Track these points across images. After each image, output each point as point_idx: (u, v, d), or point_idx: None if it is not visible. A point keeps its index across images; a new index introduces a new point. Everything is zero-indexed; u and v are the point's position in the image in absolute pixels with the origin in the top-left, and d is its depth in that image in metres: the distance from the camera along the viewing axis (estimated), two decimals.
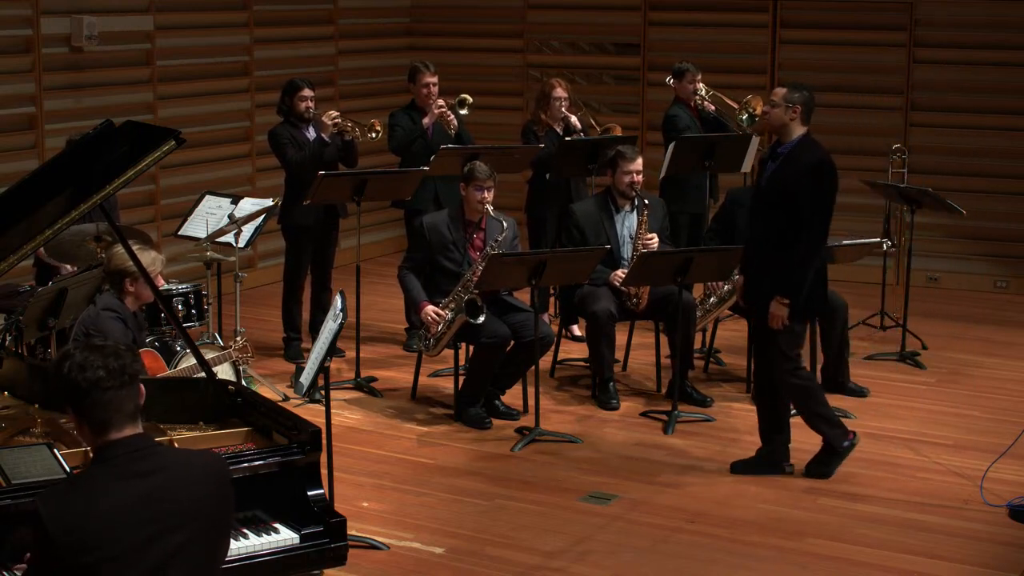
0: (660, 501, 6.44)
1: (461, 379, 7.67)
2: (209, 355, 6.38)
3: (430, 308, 7.46)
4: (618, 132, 9.31)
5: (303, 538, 4.29)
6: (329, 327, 5.49)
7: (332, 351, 5.49)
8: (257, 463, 4.31)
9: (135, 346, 6.01)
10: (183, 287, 7.66)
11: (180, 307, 7.55)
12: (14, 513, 3.85)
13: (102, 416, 3.21)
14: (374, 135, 8.65)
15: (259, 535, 4.24)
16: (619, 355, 8.35)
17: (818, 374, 7.80)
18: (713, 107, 9.31)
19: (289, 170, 8.60)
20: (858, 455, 7.00)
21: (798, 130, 6.46)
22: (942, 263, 10.85)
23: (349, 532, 4.46)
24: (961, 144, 10.81)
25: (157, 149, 4.40)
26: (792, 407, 6.75)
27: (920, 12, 10.84)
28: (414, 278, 7.61)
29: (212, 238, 7.96)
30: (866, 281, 10.05)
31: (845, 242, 8.28)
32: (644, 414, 7.70)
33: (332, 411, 5.64)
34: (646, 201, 7.89)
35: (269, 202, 8.26)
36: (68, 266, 7.58)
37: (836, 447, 6.65)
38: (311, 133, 8.57)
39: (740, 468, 6.78)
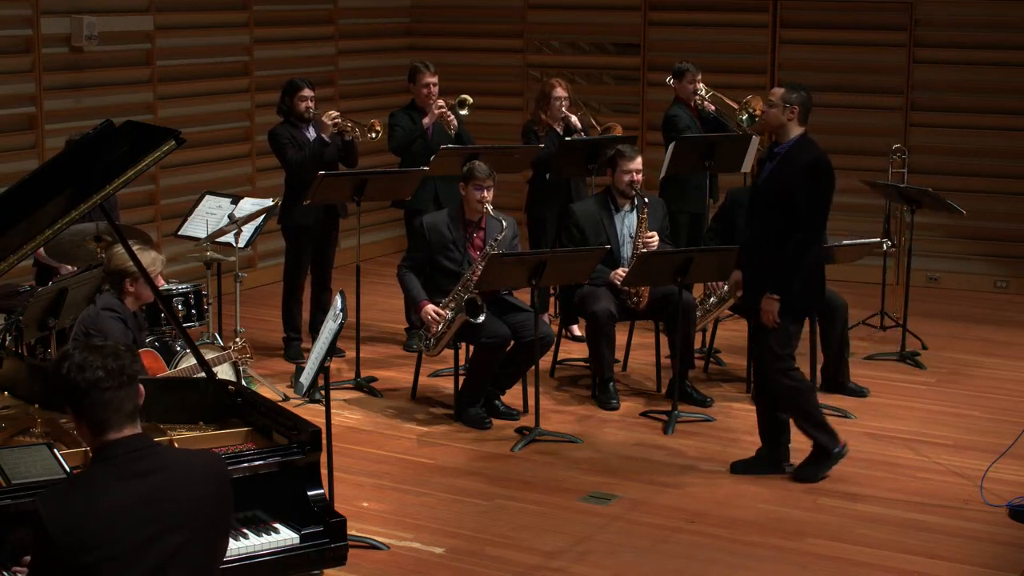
0: (660, 501, 6.44)
1: (461, 379, 7.67)
2: (209, 355, 6.38)
3: (430, 307, 7.46)
4: (618, 132, 9.31)
5: (303, 538, 4.29)
6: (329, 327, 5.48)
7: (332, 351, 5.49)
8: (257, 463, 4.31)
9: (135, 346, 6.03)
10: (183, 287, 7.66)
11: (180, 307, 7.55)
12: (14, 513, 3.85)
13: (101, 416, 3.21)
14: (374, 135, 8.65)
15: (259, 535, 4.24)
16: (619, 355, 8.35)
17: (818, 374, 7.82)
18: (713, 107, 9.31)
19: (289, 170, 8.60)
20: (858, 455, 7.00)
21: (795, 130, 6.46)
22: (942, 263, 10.85)
23: (349, 532, 4.46)
24: (961, 144, 10.81)
25: (157, 149, 4.40)
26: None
27: (920, 12, 10.84)
28: (414, 277, 7.61)
29: (212, 238, 7.96)
30: (866, 281, 10.05)
31: (845, 242, 8.28)
32: (644, 414, 7.70)
33: (332, 411, 5.64)
34: (646, 200, 7.89)
35: (269, 202, 8.26)
36: (68, 266, 7.58)
37: (828, 451, 6.63)
38: (311, 133, 8.57)
39: (740, 468, 6.78)
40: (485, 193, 7.53)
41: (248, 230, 8.09)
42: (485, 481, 6.69)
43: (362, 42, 11.94)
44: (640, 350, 8.64)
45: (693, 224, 9.06)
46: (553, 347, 8.11)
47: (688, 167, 8.72)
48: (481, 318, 7.26)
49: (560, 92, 9.10)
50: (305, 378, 5.57)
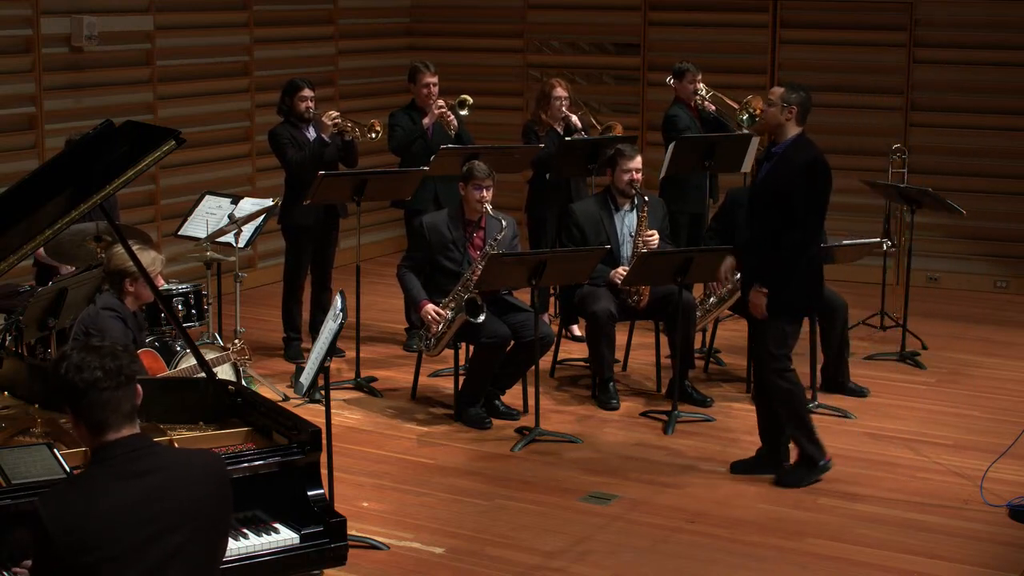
0: (660, 501, 6.43)
1: (461, 379, 7.67)
2: (209, 355, 6.38)
3: (430, 307, 7.46)
4: (619, 131, 9.30)
5: (303, 538, 4.29)
6: (329, 327, 5.48)
7: (332, 351, 5.48)
8: (257, 463, 4.31)
9: (134, 346, 6.03)
10: (183, 287, 7.66)
11: (180, 307, 7.55)
12: (14, 513, 3.84)
13: (100, 416, 3.22)
14: (374, 135, 8.65)
15: (259, 535, 4.24)
16: (619, 355, 8.35)
17: (818, 374, 7.82)
18: (713, 107, 9.31)
19: (289, 170, 8.60)
20: (858, 455, 7.01)
21: (793, 130, 6.46)
22: (942, 263, 10.85)
23: (349, 532, 4.46)
24: (961, 144, 10.81)
25: (157, 149, 4.40)
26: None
27: (920, 12, 10.84)
28: (414, 277, 7.61)
29: (212, 238, 7.97)
30: (866, 281, 10.05)
31: (845, 242, 8.28)
32: (644, 414, 7.70)
33: (332, 411, 5.64)
34: (646, 198, 7.90)
35: (269, 202, 8.26)
36: (66, 266, 7.58)
37: (814, 460, 6.60)
38: (311, 133, 8.57)
39: (740, 468, 6.77)
40: (484, 193, 7.53)
41: (248, 230, 8.10)
42: (485, 481, 6.69)
43: (362, 42, 11.94)
44: (640, 350, 8.64)
45: (693, 224, 9.06)
46: (553, 347, 8.11)
47: (688, 167, 8.72)
48: (481, 318, 7.26)
49: (560, 92, 9.10)
50: (305, 378, 5.57)
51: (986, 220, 10.62)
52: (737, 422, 7.50)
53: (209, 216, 8.22)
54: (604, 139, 8.84)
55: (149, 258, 5.99)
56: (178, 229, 8.51)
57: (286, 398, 7.73)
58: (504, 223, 7.56)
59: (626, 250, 7.92)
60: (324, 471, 4.74)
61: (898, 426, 7.50)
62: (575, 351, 8.70)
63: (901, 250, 9.32)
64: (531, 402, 7.49)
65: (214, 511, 3.31)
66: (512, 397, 7.68)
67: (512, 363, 7.54)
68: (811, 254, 6.53)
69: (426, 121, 8.88)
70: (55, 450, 4.16)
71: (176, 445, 4.35)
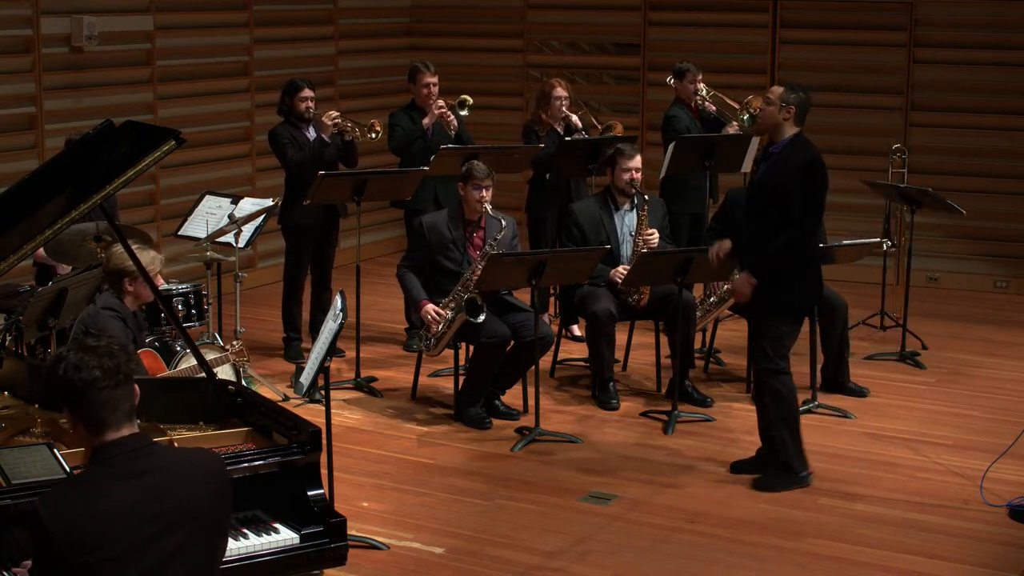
0: (660, 501, 6.43)
1: (461, 379, 7.67)
2: (209, 356, 6.38)
3: (430, 307, 7.46)
4: (619, 131, 9.30)
5: (303, 538, 4.29)
6: (329, 327, 5.48)
7: (332, 351, 5.48)
8: (257, 463, 4.31)
9: (134, 346, 6.03)
10: (183, 287, 7.66)
11: (180, 307, 7.54)
12: (14, 513, 3.84)
13: (99, 415, 3.21)
14: (374, 135, 8.65)
15: (259, 535, 4.24)
16: (619, 355, 8.35)
17: (818, 374, 7.82)
18: (714, 107, 9.31)
19: (289, 170, 8.60)
20: (858, 455, 7.01)
21: (790, 130, 6.46)
22: (942, 263, 10.85)
23: (349, 532, 4.46)
24: (961, 144, 10.81)
25: (157, 149, 4.40)
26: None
27: (920, 12, 10.84)
28: (414, 277, 7.61)
29: (212, 238, 7.96)
30: (866, 281, 10.05)
31: (845, 242, 8.28)
32: (644, 414, 7.69)
33: (332, 411, 5.64)
34: (646, 197, 7.90)
35: (269, 202, 8.26)
36: (63, 266, 7.58)
37: (796, 470, 6.58)
38: (311, 133, 8.57)
39: (740, 468, 6.77)
40: (484, 193, 7.53)
41: (248, 230, 8.10)
42: (485, 481, 6.69)
43: (362, 42, 11.94)
44: (640, 350, 8.64)
45: (693, 224, 9.06)
46: (553, 347, 8.11)
47: (688, 167, 8.73)
48: (481, 318, 7.26)
49: (560, 92, 9.10)
50: (305, 378, 5.57)
51: (986, 220, 10.62)
52: (737, 422, 7.50)
53: (209, 216, 8.21)
54: (604, 139, 8.84)
55: (148, 258, 5.99)
56: (178, 229, 8.51)
57: (286, 398, 7.73)
58: (504, 223, 7.56)
59: (626, 250, 7.92)
60: (324, 471, 4.74)
61: (898, 426, 7.50)
62: (575, 351, 8.70)
63: (901, 250, 9.32)
64: (531, 402, 7.49)
65: (214, 511, 3.31)
66: (512, 397, 7.68)
67: (512, 363, 7.54)
68: (809, 254, 6.53)
69: (426, 121, 8.88)
70: (55, 450, 4.17)
71: (176, 445, 4.35)
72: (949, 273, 10.87)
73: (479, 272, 7.23)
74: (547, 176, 8.96)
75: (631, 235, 7.93)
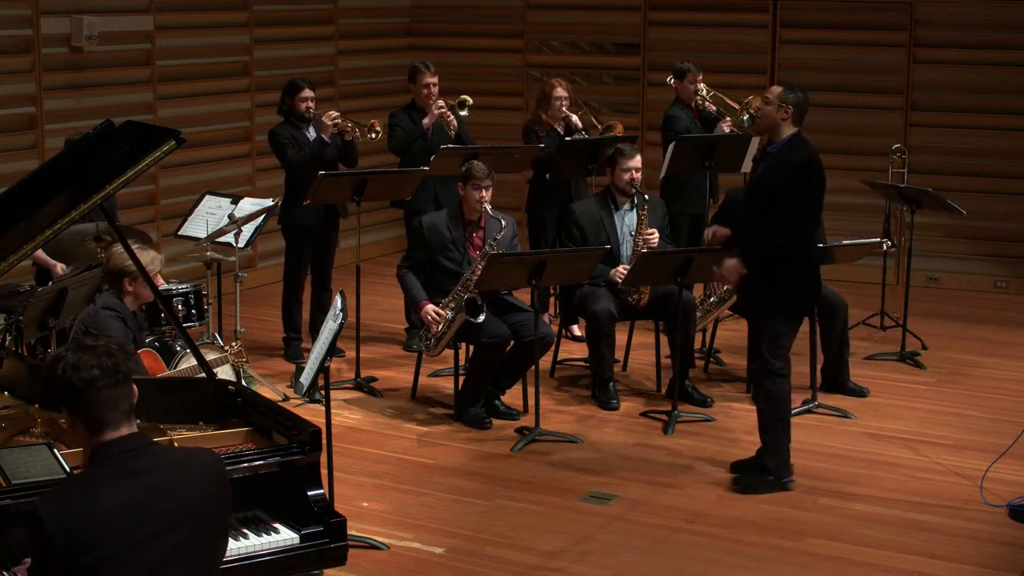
0: (660, 501, 6.43)
1: (461, 379, 7.67)
2: (209, 356, 6.38)
3: (430, 307, 7.46)
4: (619, 131, 9.30)
5: (303, 538, 4.29)
6: (329, 327, 5.48)
7: (332, 351, 5.48)
8: (257, 463, 4.31)
9: (134, 346, 6.03)
10: (183, 287, 7.66)
11: (180, 307, 7.55)
12: (14, 513, 3.84)
13: (98, 415, 3.21)
14: (374, 135, 8.66)
15: (259, 535, 4.24)
16: (619, 355, 8.35)
17: (818, 374, 7.82)
18: (714, 107, 9.31)
19: (289, 170, 8.60)
20: (858, 455, 7.01)
21: (788, 130, 6.46)
22: (942, 263, 10.85)
23: (349, 532, 4.46)
24: (961, 144, 10.81)
25: (157, 149, 4.40)
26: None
27: (920, 12, 10.84)
28: (413, 277, 7.61)
29: (212, 238, 7.96)
30: (866, 281, 10.05)
31: (845, 242, 8.28)
32: (644, 414, 7.70)
33: (332, 411, 5.64)
34: (646, 196, 7.90)
35: (269, 202, 8.26)
36: (60, 266, 7.58)
37: (778, 475, 6.56)
38: (311, 133, 8.57)
39: (740, 468, 6.77)
40: (484, 193, 7.53)
41: (248, 230, 8.09)
42: (485, 481, 6.69)
43: (362, 42, 11.94)
44: (640, 350, 8.64)
45: (693, 224, 9.06)
46: (553, 347, 8.11)
47: (688, 167, 8.73)
48: (481, 318, 7.26)
49: (561, 92, 9.10)
50: (305, 378, 5.57)
51: (986, 220, 10.62)
52: (737, 422, 7.50)
53: (209, 216, 8.21)
54: (604, 139, 8.84)
55: (148, 257, 5.98)
56: (178, 229, 8.51)
57: (286, 398, 7.73)
58: (504, 223, 7.56)
59: (626, 249, 7.92)
60: (324, 471, 4.74)
61: (898, 426, 7.50)
62: (575, 351, 8.70)
63: (901, 250, 9.32)
64: (531, 402, 7.49)
65: (214, 511, 3.31)
66: (512, 397, 7.68)
67: (512, 363, 7.54)
68: (807, 254, 6.52)
69: (426, 121, 8.88)
70: (55, 450, 4.17)
71: (176, 445, 4.35)
72: (949, 273, 10.87)
73: (479, 272, 7.23)
74: (547, 176, 8.96)
75: (631, 235, 7.93)
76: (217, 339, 7.74)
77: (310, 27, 11.43)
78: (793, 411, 6.83)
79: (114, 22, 9.72)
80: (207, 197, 8.48)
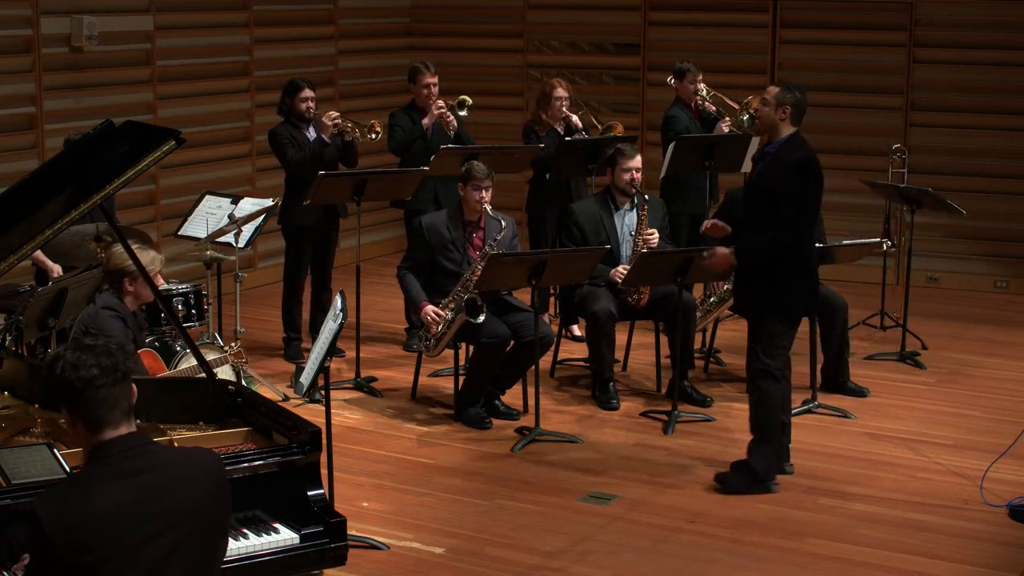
0: (660, 501, 6.43)
1: (461, 379, 7.67)
2: (209, 356, 6.38)
3: (430, 308, 7.46)
4: (619, 131, 9.30)
5: (303, 538, 4.29)
6: (329, 327, 5.48)
7: (332, 351, 5.48)
8: (257, 463, 4.31)
9: (134, 346, 6.03)
10: (183, 287, 7.66)
11: (180, 307, 7.55)
12: (14, 513, 3.84)
13: (98, 414, 3.21)
14: (374, 135, 8.66)
15: (259, 535, 4.24)
16: (619, 355, 8.35)
17: (818, 374, 7.82)
18: (714, 107, 9.31)
19: (289, 170, 8.60)
20: (858, 455, 7.01)
21: (786, 130, 6.46)
22: (942, 263, 10.85)
23: (349, 532, 4.46)
24: (961, 144, 10.81)
25: (157, 149, 4.40)
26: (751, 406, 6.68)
27: (920, 12, 10.84)
28: (413, 278, 7.61)
29: (212, 238, 7.96)
30: (866, 281, 10.05)
31: (845, 242, 8.27)
32: (644, 414, 7.70)
33: (332, 411, 5.64)
34: (646, 196, 7.90)
35: (269, 202, 8.26)
36: (58, 269, 7.58)
37: (762, 478, 6.55)
38: (311, 133, 8.57)
39: (740, 468, 6.76)
40: (484, 193, 7.53)
41: (248, 230, 8.09)
42: (485, 481, 6.69)
43: (362, 42, 11.94)
44: (640, 350, 8.64)
45: (693, 225, 9.04)
46: (553, 347, 8.11)
47: (688, 167, 8.73)
48: (481, 318, 7.26)
49: (561, 92, 9.10)
50: (305, 378, 5.57)
51: (986, 220, 10.62)
52: (737, 422, 7.49)
53: (209, 216, 8.21)
54: (604, 139, 8.84)
55: (148, 257, 5.99)
56: (178, 229, 8.51)
57: (286, 398, 7.73)
58: (504, 223, 7.56)
59: (626, 249, 7.93)
60: (324, 471, 4.74)
61: (898, 426, 7.50)
62: (575, 351, 8.70)
63: (901, 250, 9.32)
64: (531, 402, 7.49)
65: (213, 511, 3.31)
66: (512, 397, 7.68)
67: (512, 363, 7.54)
68: (805, 254, 6.52)
69: (426, 121, 8.88)
70: (55, 450, 4.17)
71: (176, 445, 4.35)
72: (949, 273, 10.87)
73: (479, 272, 7.23)
74: (547, 176, 8.96)
75: (631, 235, 7.93)
76: (217, 339, 7.74)
77: (310, 27, 11.43)
78: (793, 411, 6.83)
79: (114, 22, 9.72)
80: (207, 197, 8.48)
